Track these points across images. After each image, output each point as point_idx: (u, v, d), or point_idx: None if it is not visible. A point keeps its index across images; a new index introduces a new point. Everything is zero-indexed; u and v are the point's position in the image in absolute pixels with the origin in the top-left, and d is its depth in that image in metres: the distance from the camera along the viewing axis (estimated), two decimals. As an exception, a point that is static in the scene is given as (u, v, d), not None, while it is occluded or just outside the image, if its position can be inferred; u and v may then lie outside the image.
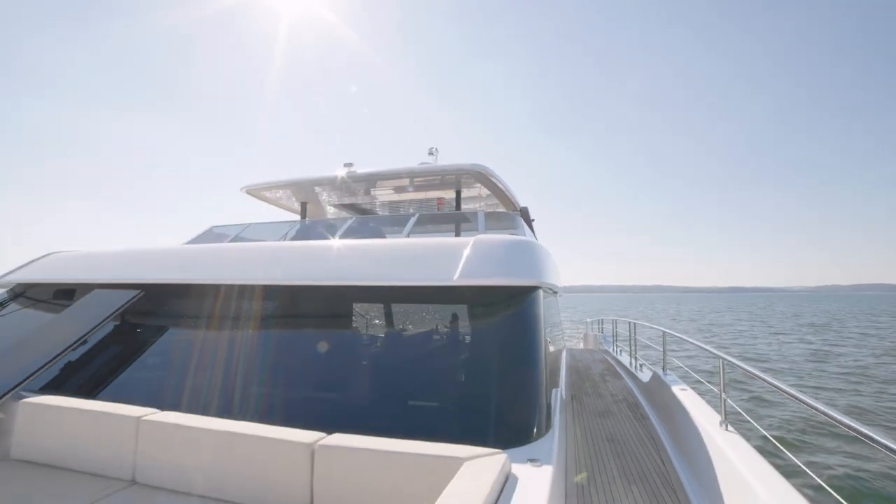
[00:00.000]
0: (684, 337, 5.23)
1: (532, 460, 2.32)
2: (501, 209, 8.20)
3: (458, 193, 7.53)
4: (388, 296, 3.52)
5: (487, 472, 1.98)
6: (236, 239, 6.32)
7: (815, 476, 2.58)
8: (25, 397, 3.20)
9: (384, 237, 6.04)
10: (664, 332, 5.68)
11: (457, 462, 2.12)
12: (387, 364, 3.40)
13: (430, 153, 9.18)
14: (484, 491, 1.81)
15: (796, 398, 2.46)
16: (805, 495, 2.34)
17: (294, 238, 6.19)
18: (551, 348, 4.13)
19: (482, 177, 6.76)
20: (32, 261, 5.45)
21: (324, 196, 8.06)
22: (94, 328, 3.77)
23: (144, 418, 2.75)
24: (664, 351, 5.47)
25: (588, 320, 14.64)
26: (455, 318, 3.38)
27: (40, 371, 3.41)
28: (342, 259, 3.73)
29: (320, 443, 2.36)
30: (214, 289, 3.91)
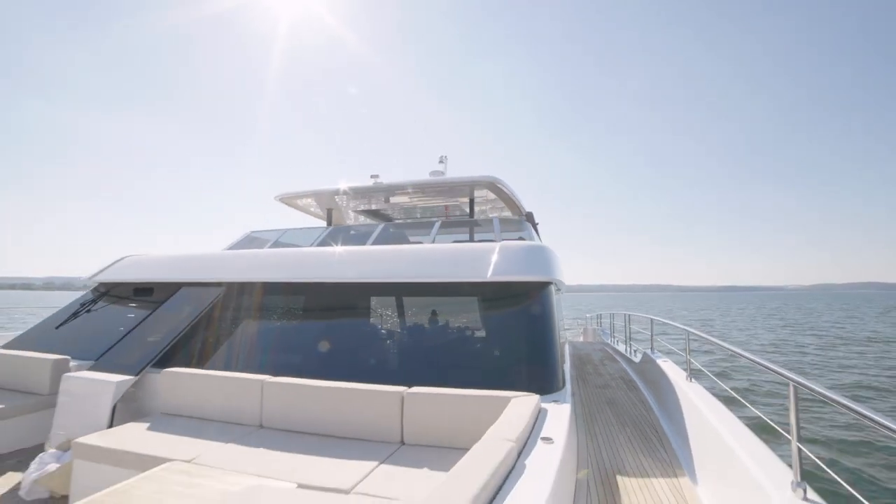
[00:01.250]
0: (664, 320, 6.36)
1: (555, 401, 3.30)
2: (507, 212, 9.15)
3: (472, 201, 8.46)
4: (439, 289, 4.48)
5: (526, 406, 2.95)
6: (276, 244, 7.22)
7: (754, 409, 3.57)
8: (160, 370, 4.15)
9: (408, 241, 6.95)
10: (651, 319, 6.75)
11: (505, 400, 3.10)
12: (446, 339, 4.37)
13: (441, 161, 10.17)
14: (525, 416, 2.77)
15: (741, 355, 3.40)
16: (745, 422, 3.31)
17: (329, 243, 7.06)
18: (560, 332, 5.13)
19: (495, 187, 7.70)
20: (113, 263, 6.34)
21: (347, 203, 8.96)
22: (197, 317, 4.71)
23: (267, 381, 3.73)
24: (651, 334, 6.51)
25: (588, 315, 15.66)
26: (491, 305, 4.35)
27: (164, 350, 4.37)
28: (401, 261, 4.72)
29: (407, 392, 3.34)
30: (302, 286, 4.90)
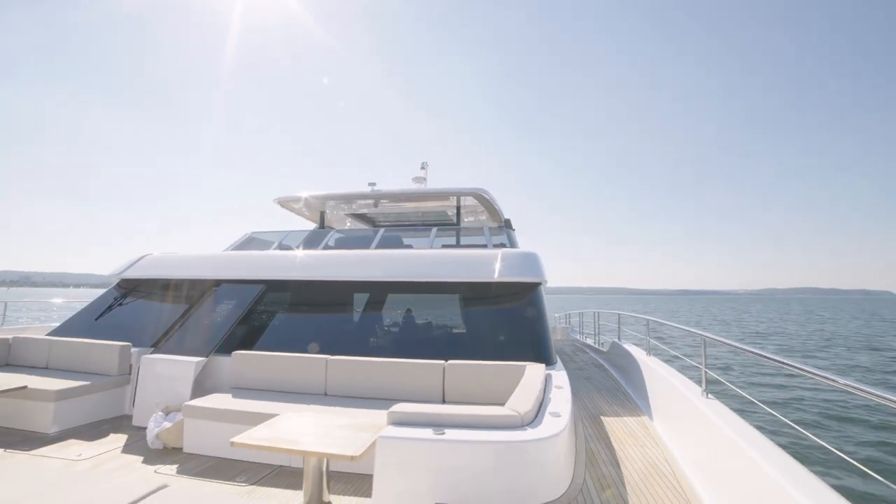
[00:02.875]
0: (623, 312, 7.84)
1: (556, 371, 4.46)
2: (484, 215, 10.25)
3: (459, 209, 9.55)
4: (458, 287, 5.55)
5: (538, 371, 4.14)
6: (281, 246, 8.00)
7: (691, 361, 4.89)
8: (226, 354, 4.99)
9: (402, 244, 7.89)
10: (619, 314, 8.13)
11: (522, 368, 4.26)
12: (467, 324, 5.43)
13: (423, 167, 11.25)
14: (541, 376, 3.94)
15: (682, 328, 4.75)
16: (686, 375, 4.62)
17: (334, 246, 7.91)
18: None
19: (482, 197, 8.83)
20: (136, 261, 6.97)
21: (337, 206, 9.75)
22: (245, 310, 5.54)
23: (331, 358, 4.69)
24: (619, 326, 7.88)
25: (556, 315, 17.12)
26: (498, 299, 5.46)
27: (225, 337, 5.19)
28: (425, 263, 5.77)
29: (447, 364, 4.42)
30: (339, 284, 5.84)
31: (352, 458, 2.59)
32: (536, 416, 3.01)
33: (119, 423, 4.82)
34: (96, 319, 6.26)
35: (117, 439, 4.27)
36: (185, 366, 4.73)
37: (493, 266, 5.53)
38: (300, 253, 6.59)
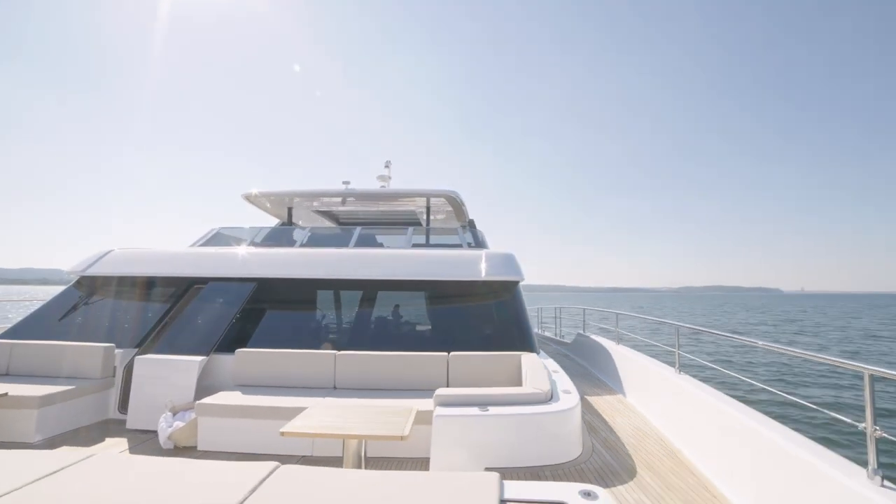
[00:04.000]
0: (589, 308, 8.58)
1: (545, 358, 4.94)
2: (448, 212, 10.56)
3: (428, 209, 9.86)
4: (448, 286, 5.85)
5: (534, 358, 4.60)
6: (255, 243, 7.83)
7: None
8: (227, 352, 4.95)
9: (377, 243, 8.05)
10: (584, 309, 8.83)
11: (517, 356, 4.68)
12: (459, 319, 5.73)
13: (386, 166, 11.45)
14: (539, 363, 4.41)
15: (636, 316, 5.44)
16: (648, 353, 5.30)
17: (309, 244, 7.86)
18: None
19: (452, 199, 9.19)
20: (101, 257, 6.54)
21: (305, 204, 9.67)
22: (240, 308, 5.47)
23: (339, 353, 4.81)
24: (584, 319, 8.61)
25: None
26: (485, 296, 5.85)
27: (223, 335, 5.11)
28: (417, 263, 6.01)
29: (451, 355, 4.72)
30: (332, 282, 5.93)
31: (402, 437, 2.83)
32: (553, 393, 3.46)
33: (108, 427, 4.61)
34: (60, 320, 5.82)
35: (116, 444, 4.11)
36: (187, 365, 4.61)
37: (479, 266, 5.94)
38: (289, 251, 6.54)
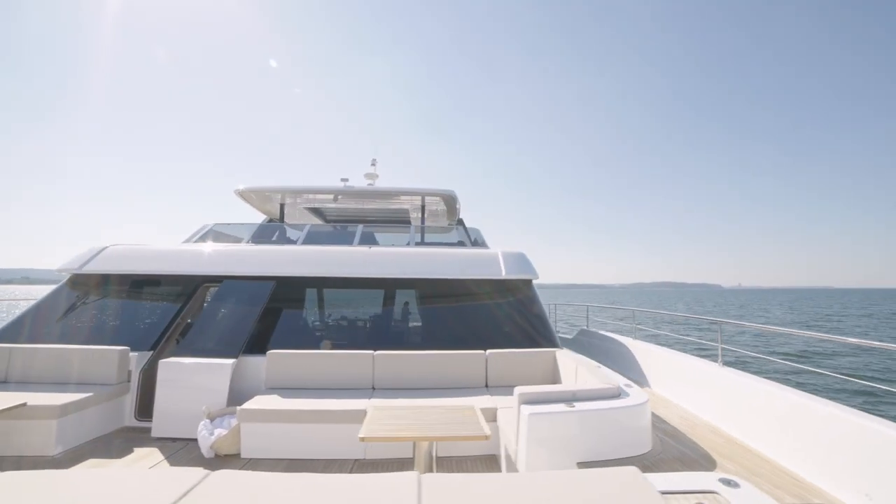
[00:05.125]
0: (592, 304, 8.91)
1: (567, 351, 5.15)
2: (443, 210, 10.61)
3: (423, 208, 9.87)
4: (470, 284, 5.92)
5: (567, 353, 4.87)
6: (253, 240, 7.57)
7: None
8: (255, 354, 4.79)
9: (376, 242, 7.99)
10: (587, 306, 9.13)
11: (552, 353, 4.92)
12: (482, 318, 5.79)
13: (373, 164, 11.35)
14: (577, 358, 4.62)
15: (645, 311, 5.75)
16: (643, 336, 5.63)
17: (308, 241, 7.65)
18: None
19: (449, 198, 9.24)
20: (96, 254, 6.08)
21: (298, 199, 9.41)
22: (262, 308, 5.26)
23: (377, 353, 4.77)
24: (587, 316, 8.89)
25: None
26: (506, 293, 5.98)
27: (251, 336, 4.93)
28: (437, 262, 6.03)
29: (489, 353, 4.83)
30: (352, 281, 5.82)
31: (486, 437, 2.91)
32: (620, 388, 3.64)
33: (129, 435, 4.34)
34: (57, 321, 5.38)
35: (147, 454, 3.89)
36: (218, 368, 4.42)
37: (497, 264, 6.06)
38: (305, 248, 6.35)
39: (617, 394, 3.46)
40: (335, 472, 3.54)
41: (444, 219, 10.77)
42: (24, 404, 3.60)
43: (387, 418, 3.23)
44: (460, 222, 10.06)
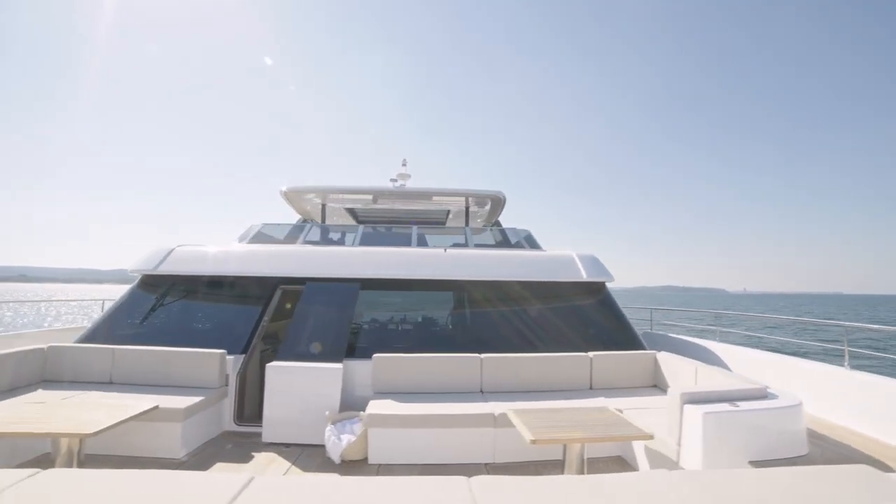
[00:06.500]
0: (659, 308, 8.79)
1: (669, 353, 5.09)
2: (486, 211, 10.44)
3: (468, 210, 9.76)
4: (549, 287, 5.88)
5: (667, 355, 4.84)
6: (306, 241, 7.46)
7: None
8: (356, 357, 4.76)
9: (427, 243, 7.88)
10: (651, 310, 8.93)
11: (652, 355, 4.90)
12: (568, 320, 5.74)
13: (404, 164, 11.26)
14: (678, 357, 4.62)
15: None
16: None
17: (365, 243, 7.53)
18: None
19: (497, 199, 9.13)
20: (166, 255, 5.98)
21: (339, 199, 9.15)
22: (353, 310, 5.20)
23: (484, 357, 4.72)
24: (651, 318, 8.61)
25: None
26: (585, 295, 5.96)
27: (348, 340, 4.89)
28: (507, 264, 5.99)
29: (593, 354, 4.81)
30: (439, 282, 5.75)
31: (651, 437, 3.00)
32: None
33: (237, 440, 4.30)
34: (142, 322, 5.33)
35: (270, 460, 3.83)
36: (330, 373, 4.35)
37: (576, 267, 6.00)
38: (386, 250, 6.27)
39: (764, 395, 3.40)
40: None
41: (481, 220, 10.65)
42: (157, 407, 3.55)
43: (534, 421, 3.20)
44: (497, 223, 9.98)
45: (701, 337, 6.93)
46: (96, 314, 6.42)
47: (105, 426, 2.96)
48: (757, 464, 3.00)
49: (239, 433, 4.50)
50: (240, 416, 4.68)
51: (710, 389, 3.36)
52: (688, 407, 3.18)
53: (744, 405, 3.20)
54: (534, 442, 2.85)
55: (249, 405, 5.02)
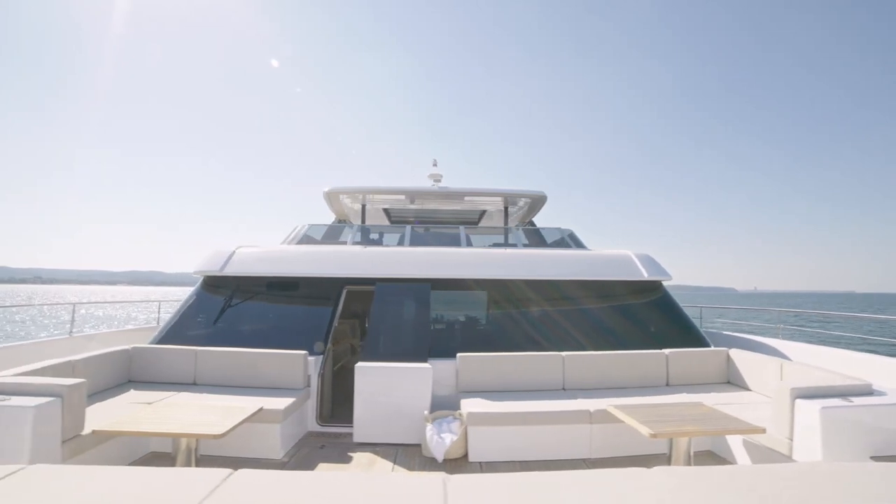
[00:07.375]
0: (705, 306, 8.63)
1: (741, 350, 5.07)
2: (525, 211, 10.33)
3: (507, 210, 9.72)
4: (609, 285, 5.88)
5: (740, 352, 4.88)
6: (354, 241, 7.49)
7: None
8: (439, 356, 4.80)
9: (470, 244, 7.83)
10: (701, 308, 8.75)
11: (723, 352, 4.92)
12: (633, 319, 5.74)
13: (434, 164, 11.22)
14: (749, 354, 4.62)
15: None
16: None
17: (413, 243, 7.51)
18: None
19: (538, 200, 9.07)
20: (230, 255, 6.00)
21: (376, 200, 9.10)
22: (428, 311, 5.23)
23: (566, 354, 4.77)
24: (700, 316, 8.48)
25: None
26: (645, 294, 5.96)
27: (428, 341, 4.95)
28: (567, 264, 6.01)
29: (669, 352, 4.83)
30: (503, 283, 5.76)
31: (763, 430, 3.09)
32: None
33: (326, 440, 4.36)
34: (214, 323, 5.39)
35: (369, 460, 3.87)
36: (420, 373, 4.38)
37: (635, 266, 6.01)
38: (456, 251, 6.29)
39: (870, 391, 3.39)
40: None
41: (517, 219, 10.59)
42: (261, 409, 3.59)
43: (641, 416, 3.23)
44: (531, 223, 9.91)
45: (758, 335, 6.78)
46: (143, 316, 6.44)
47: (229, 427, 3.00)
48: (878, 459, 2.99)
49: (324, 434, 4.55)
50: (325, 417, 4.73)
51: (818, 384, 3.37)
52: (800, 402, 3.19)
53: (857, 401, 3.19)
54: (653, 436, 2.89)
55: (328, 405, 5.09)
